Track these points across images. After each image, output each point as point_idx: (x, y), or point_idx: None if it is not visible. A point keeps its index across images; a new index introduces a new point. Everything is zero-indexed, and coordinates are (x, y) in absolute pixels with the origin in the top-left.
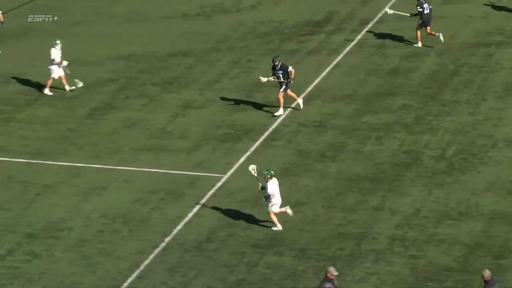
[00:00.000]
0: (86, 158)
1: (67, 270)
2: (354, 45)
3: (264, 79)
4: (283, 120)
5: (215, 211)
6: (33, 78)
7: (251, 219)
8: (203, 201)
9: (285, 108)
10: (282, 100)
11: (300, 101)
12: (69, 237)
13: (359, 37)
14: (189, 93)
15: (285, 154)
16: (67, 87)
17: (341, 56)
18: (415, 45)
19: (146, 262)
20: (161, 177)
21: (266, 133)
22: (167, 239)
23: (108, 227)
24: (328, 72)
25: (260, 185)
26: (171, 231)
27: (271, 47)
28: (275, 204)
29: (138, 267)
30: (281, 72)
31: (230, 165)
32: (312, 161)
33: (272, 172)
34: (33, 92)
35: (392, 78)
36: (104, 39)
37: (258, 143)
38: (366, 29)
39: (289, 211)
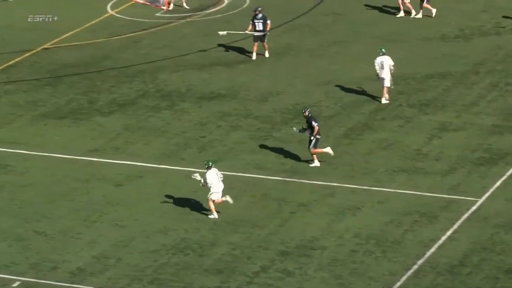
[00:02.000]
0: (341, 178)
1: None
2: None
3: (295, 130)
4: None
5: (469, 235)
6: (291, 97)
7: (505, 244)
8: (457, 224)
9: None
10: (318, 151)
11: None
12: (322, 256)
13: None
14: (446, 115)
15: None
16: (383, 100)
17: None
18: None
19: (398, 283)
20: (415, 199)
21: None
22: (420, 262)
23: (361, 247)
24: None
25: (202, 181)
26: (424, 254)
27: None
28: (215, 193)
29: None
30: (307, 124)
31: (486, 189)
32: None
33: (210, 162)
34: (290, 110)
35: None
36: (362, 59)
37: None
38: None
39: (229, 199)
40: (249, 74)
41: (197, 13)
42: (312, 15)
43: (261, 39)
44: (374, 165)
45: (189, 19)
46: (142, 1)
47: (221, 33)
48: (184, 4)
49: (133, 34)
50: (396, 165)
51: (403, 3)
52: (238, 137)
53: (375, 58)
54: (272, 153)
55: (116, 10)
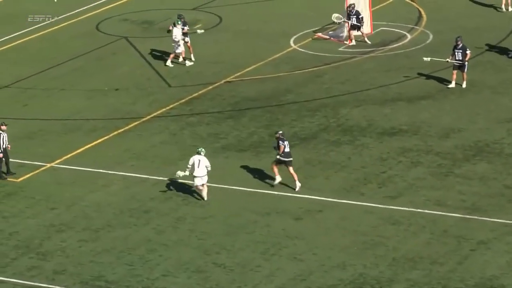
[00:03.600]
0: None
1: None
2: None
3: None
4: None
5: None
6: (473, 133)
7: None
8: None
9: None
10: (274, 170)
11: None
12: None
13: None
14: None
15: None
16: None
17: None
18: None
19: None
20: None
21: None
22: None
23: None
24: None
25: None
26: None
27: None
28: (196, 177)
29: None
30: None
31: None
32: None
33: (200, 148)
34: (471, 147)
35: None
36: None
37: None
38: None
39: (204, 194)
40: (431, 110)
41: (379, 48)
42: (495, 52)
43: (460, 68)
44: None
45: (371, 54)
46: (325, 36)
47: (425, 59)
48: (366, 39)
49: (315, 68)
50: None
51: None
52: (418, 173)
53: None
54: (453, 189)
55: (299, 44)
